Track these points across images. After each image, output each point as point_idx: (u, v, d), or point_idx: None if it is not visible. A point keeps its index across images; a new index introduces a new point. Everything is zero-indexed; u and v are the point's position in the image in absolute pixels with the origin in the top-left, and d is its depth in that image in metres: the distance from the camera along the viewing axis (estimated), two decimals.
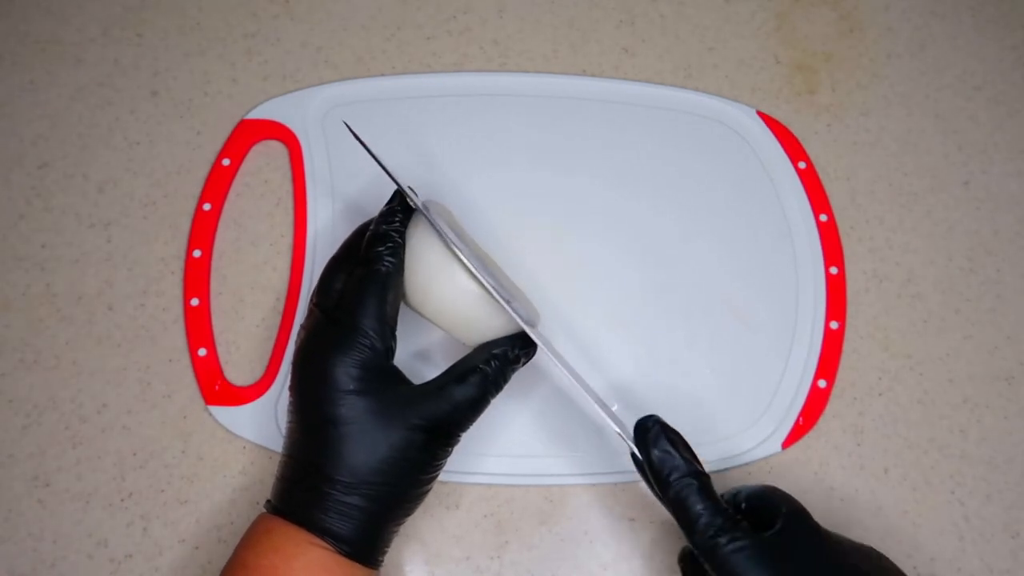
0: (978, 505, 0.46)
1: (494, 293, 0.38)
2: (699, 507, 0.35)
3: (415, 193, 0.42)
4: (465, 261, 0.38)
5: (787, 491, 0.44)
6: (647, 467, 0.37)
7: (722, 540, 0.34)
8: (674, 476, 0.36)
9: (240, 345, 0.48)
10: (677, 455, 0.36)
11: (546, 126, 0.53)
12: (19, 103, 0.53)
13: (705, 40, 0.57)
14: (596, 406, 0.38)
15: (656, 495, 0.37)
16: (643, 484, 0.46)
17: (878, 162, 0.54)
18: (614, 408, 0.47)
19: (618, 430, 0.38)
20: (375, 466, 0.36)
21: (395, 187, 0.42)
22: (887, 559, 0.37)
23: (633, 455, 0.38)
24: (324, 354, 0.37)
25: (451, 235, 0.39)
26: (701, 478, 0.36)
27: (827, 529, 0.37)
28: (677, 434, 0.37)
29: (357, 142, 0.42)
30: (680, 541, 0.44)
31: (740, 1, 0.58)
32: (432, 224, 0.39)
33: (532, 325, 0.41)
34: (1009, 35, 0.58)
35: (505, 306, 0.38)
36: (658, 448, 0.36)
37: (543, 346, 0.39)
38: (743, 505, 0.38)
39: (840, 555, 0.35)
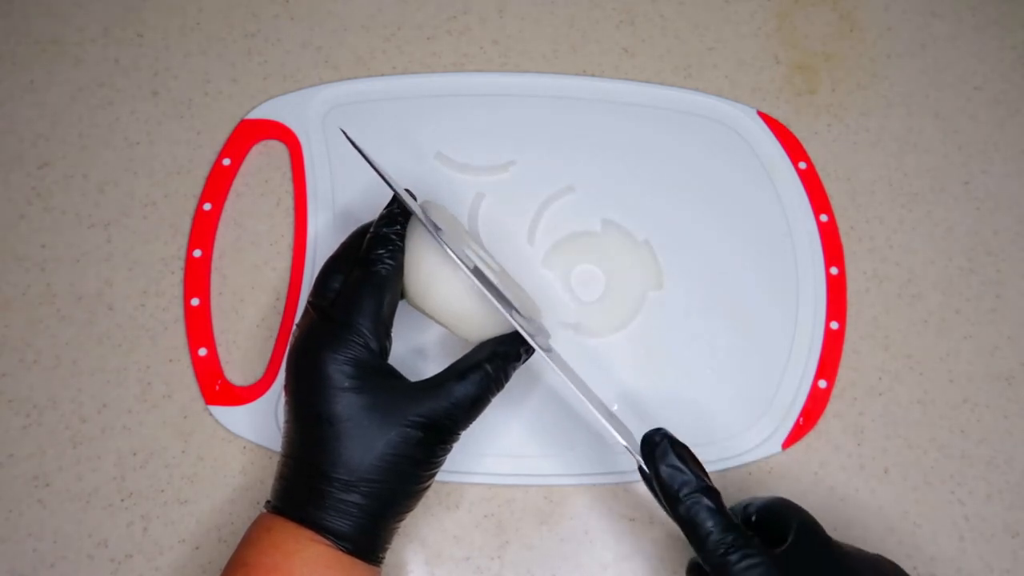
0: (978, 505, 0.46)
1: (496, 302, 0.38)
2: (709, 524, 0.34)
3: (413, 196, 0.42)
4: (465, 270, 0.38)
5: (787, 492, 0.45)
6: (655, 482, 0.36)
7: (733, 558, 0.34)
8: (684, 492, 0.35)
9: (240, 345, 0.48)
10: (687, 470, 0.35)
11: (546, 126, 0.53)
12: (19, 103, 0.53)
13: (705, 40, 0.57)
14: (598, 413, 0.38)
15: (664, 509, 0.37)
16: (644, 487, 0.46)
17: (878, 162, 0.54)
18: (614, 408, 0.47)
19: (624, 443, 0.37)
20: (373, 463, 0.36)
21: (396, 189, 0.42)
22: (902, 570, 0.36)
23: (640, 469, 0.37)
24: (318, 352, 0.37)
25: (451, 238, 0.39)
26: (711, 493, 0.35)
27: (839, 541, 0.36)
28: (685, 447, 0.37)
29: (355, 149, 0.41)
30: (683, 544, 0.44)
31: (740, 1, 0.58)
32: (432, 234, 0.39)
33: (534, 322, 0.41)
34: (1009, 35, 0.58)
35: (507, 314, 0.38)
36: (666, 463, 0.36)
37: (545, 356, 0.38)
38: (753, 518, 0.38)
39: (854, 570, 0.35)
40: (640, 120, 0.54)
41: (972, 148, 0.55)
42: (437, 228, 0.39)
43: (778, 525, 0.36)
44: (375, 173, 0.41)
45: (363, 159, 0.41)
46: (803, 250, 0.51)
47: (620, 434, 0.37)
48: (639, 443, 0.37)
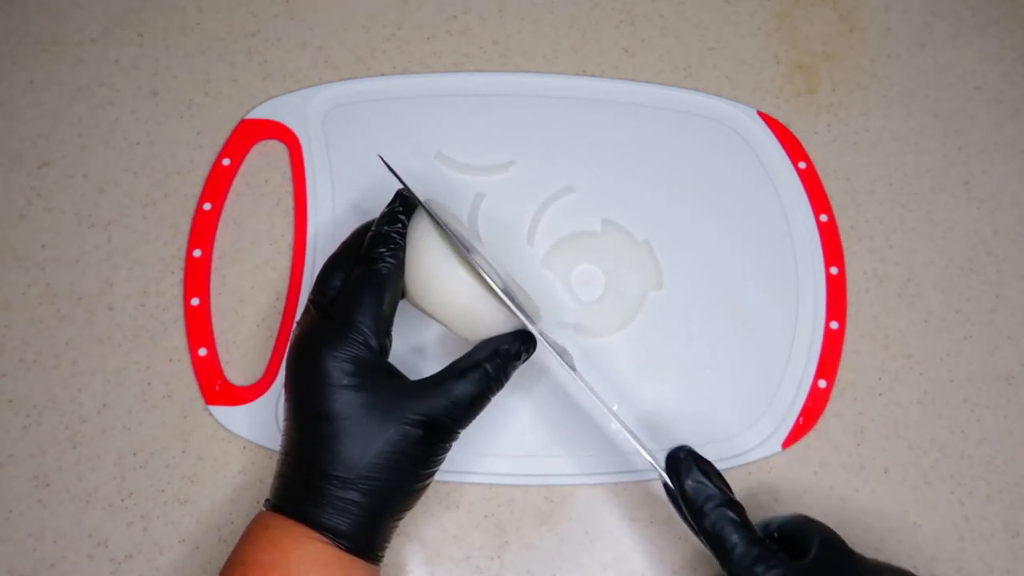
0: (978, 505, 0.46)
1: (500, 293, 0.38)
2: (735, 537, 0.35)
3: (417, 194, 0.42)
4: (470, 260, 0.38)
5: (787, 492, 0.45)
6: (680, 497, 0.37)
7: (759, 570, 0.34)
8: (709, 505, 0.36)
9: (240, 345, 0.48)
10: (711, 484, 0.36)
11: (546, 126, 0.53)
12: (19, 103, 0.53)
13: (705, 40, 0.57)
14: (626, 431, 0.38)
15: (689, 525, 0.37)
16: (642, 488, 0.46)
17: (878, 162, 0.54)
18: (614, 407, 0.47)
19: (649, 459, 0.38)
20: (371, 461, 0.36)
21: (396, 188, 0.42)
22: None
23: (665, 485, 0.38)
24: (318, 349, 0.37)
25: (455, 232, 0.39)
26: (735, 507, 0.36)
27: (863, 555, 0.36)
28: (709, 463, 0.37)
29: (395, 177, 0.42)
30: (682, 544, 0.44)
31: (740, 1, 0.58)
32: (438, 223, 0.39)
33: (533, 322, 0.41)
34: (1009, 35, 0.58)
35: (512, 306, 0.38)
36: (691, 478, 0.36)
37: (574, 376, 0.39)
38: (775, 535, 0.38)
39: None
40: (640, 120, 0.54)
41: (972, 148, 0.55)
42: (488, 270, 0.39)
43: (800, 540, 0.37)
44: (377, 167, 0.41)
45: (367, 154, 0.41)
46: (803, 250, 0.51)
47: (645, 450, 0.38)
48: (663, 460, 0.38)
